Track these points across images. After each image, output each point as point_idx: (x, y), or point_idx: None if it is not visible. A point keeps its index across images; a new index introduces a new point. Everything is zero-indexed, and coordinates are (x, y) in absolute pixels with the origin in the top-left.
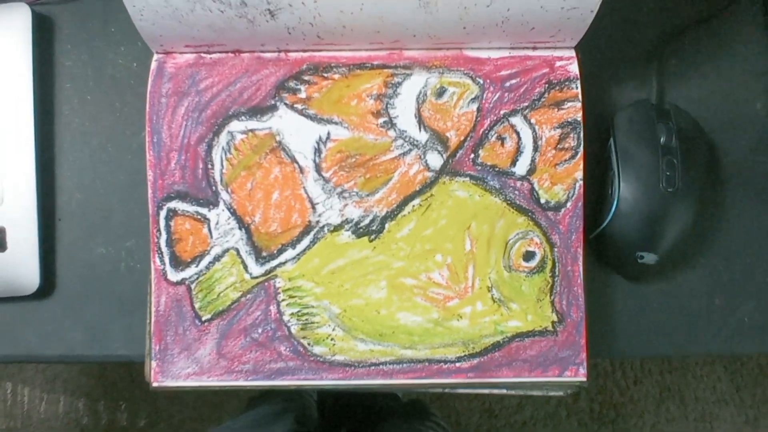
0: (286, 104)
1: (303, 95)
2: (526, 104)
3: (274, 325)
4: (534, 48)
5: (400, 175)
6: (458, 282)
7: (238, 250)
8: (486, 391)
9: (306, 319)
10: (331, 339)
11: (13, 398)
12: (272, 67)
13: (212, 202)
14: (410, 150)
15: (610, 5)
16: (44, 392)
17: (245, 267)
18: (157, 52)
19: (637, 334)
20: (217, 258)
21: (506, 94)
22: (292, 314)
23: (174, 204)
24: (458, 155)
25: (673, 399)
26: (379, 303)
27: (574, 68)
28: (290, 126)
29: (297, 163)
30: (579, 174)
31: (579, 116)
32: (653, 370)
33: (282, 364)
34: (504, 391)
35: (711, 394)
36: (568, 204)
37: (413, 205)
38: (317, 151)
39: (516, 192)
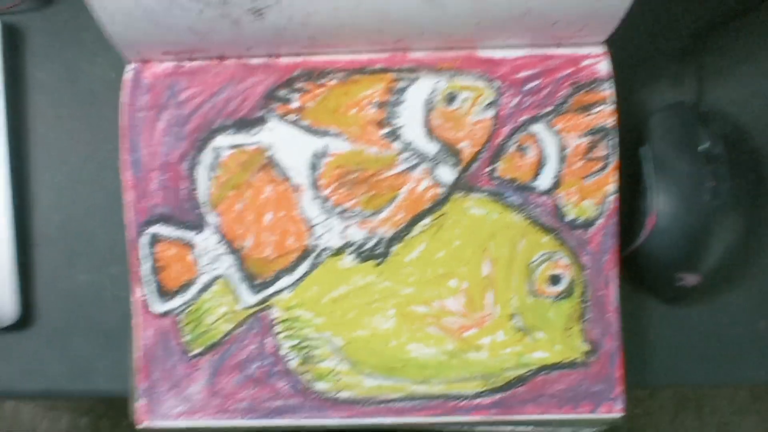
0: (276, 115)
1: (295, 105)
2: (549, 109)
3: (271, 360)
4: (557, 45)
5: (408, 192)
6: (476, 309)
7: (228, 278)
8: (509, 429)
9: (306, 353)
10: (335, 374)
11: (14, 416)
12: (260, 75)
13: (198, 226)
14: (418, 164)
15: None
16: (47, 409)
17: (237, 296)
18: (133, 61)
19: (674, 361)
20: (206, 287)
21: (526, 99)
22: (291, 347)
23: (156, 228)
24: (473, 168)
25: (689, 411)
26: (388, 334)
27: (603, 67)
28: (282, 140)
29: (291, 180)
30: (611, 187)
31: (611, 121)
32: None
33: (281, 402)
34: (529, 429)
35: (729, 404)
36: (599, 221)
37: (423, 225)
38: (313, 166)
39: (539, 208)
